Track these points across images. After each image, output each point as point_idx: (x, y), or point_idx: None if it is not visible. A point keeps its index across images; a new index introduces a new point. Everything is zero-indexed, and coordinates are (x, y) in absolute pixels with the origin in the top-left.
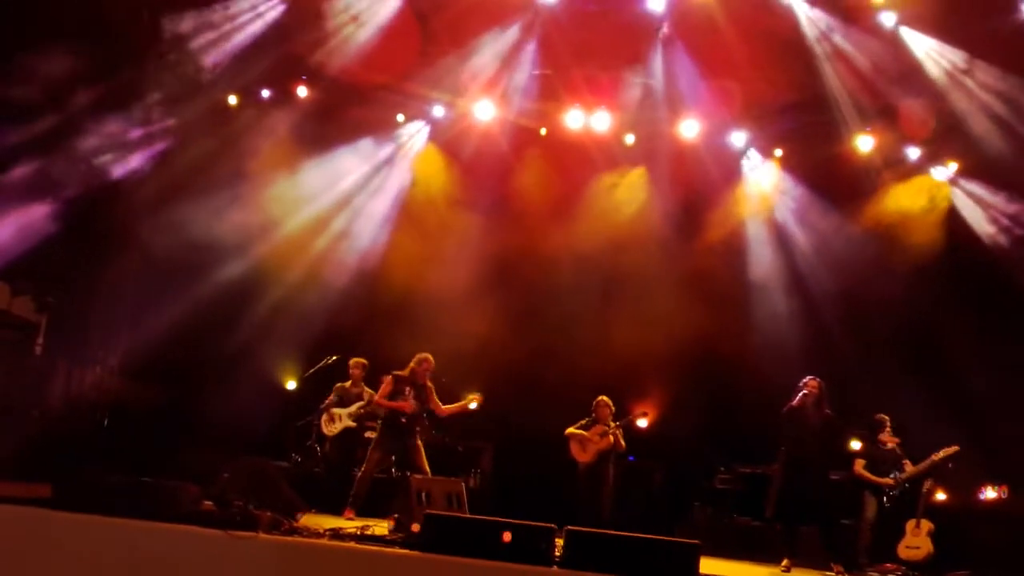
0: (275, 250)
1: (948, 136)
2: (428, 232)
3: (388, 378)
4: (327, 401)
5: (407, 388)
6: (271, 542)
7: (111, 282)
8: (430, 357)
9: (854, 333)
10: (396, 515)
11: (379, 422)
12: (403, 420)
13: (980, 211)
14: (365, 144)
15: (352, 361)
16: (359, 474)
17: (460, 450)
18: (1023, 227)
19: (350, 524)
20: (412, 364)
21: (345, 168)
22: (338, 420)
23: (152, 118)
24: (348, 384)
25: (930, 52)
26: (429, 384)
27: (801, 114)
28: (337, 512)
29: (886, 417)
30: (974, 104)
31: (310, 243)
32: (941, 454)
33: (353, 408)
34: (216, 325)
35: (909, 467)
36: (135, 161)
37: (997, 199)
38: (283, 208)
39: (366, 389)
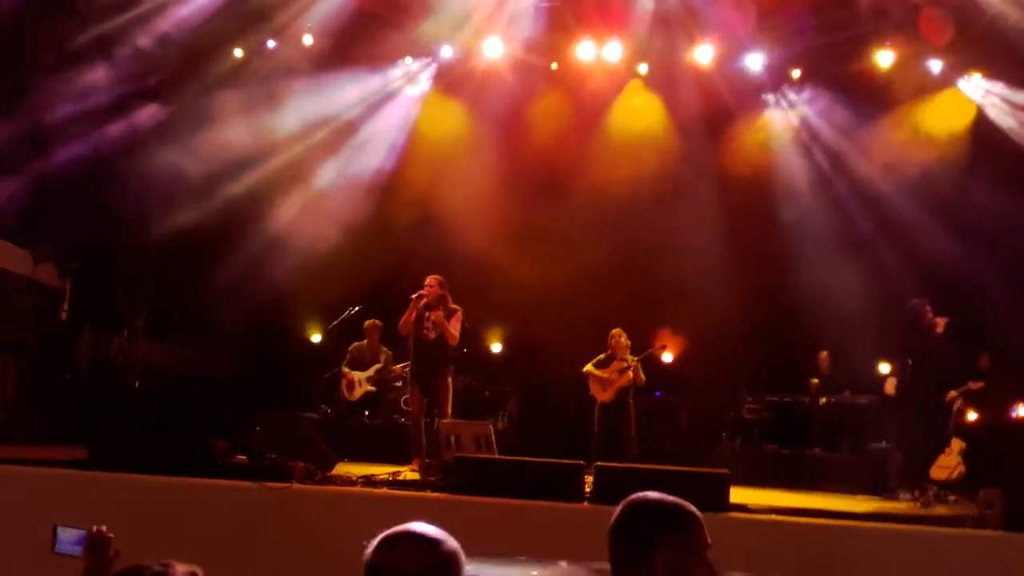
0: (283, 184)
1: (971, 39)
2: (438, 167)
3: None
4: (343, 364)
5: (425, 313)
6: (305, 491)
7: (133, 245)
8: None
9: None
10: (426, 459)
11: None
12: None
13: (1011, 115)
14: (369, 77)
15: (368, 323)
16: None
17: (487, 394)
18: None
19: (381, 470)
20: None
21: (348, 98)
22: (358, 386)
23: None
24: (364, 343)
25: None
26: (452, 306)
27: (818, 31)
28: (369, 460)
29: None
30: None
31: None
32: (972, 387)
33: (372, 371)
34: (235, 277)
35: None
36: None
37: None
38: (289, 142)
39: (383, 349)
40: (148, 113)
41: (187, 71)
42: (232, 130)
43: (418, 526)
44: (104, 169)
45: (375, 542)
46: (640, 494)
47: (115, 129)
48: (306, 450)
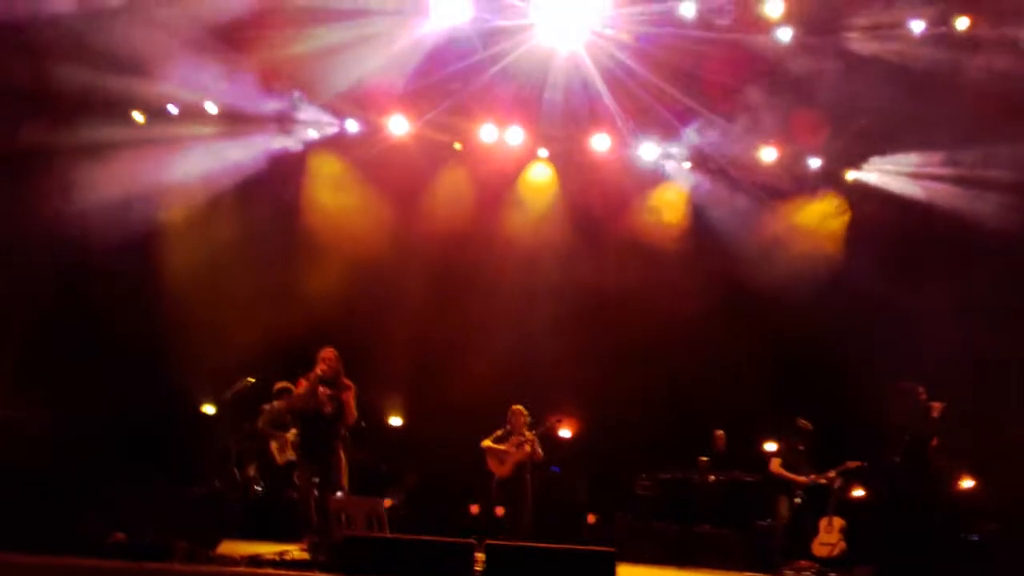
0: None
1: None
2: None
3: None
4: (262, 424)
5: (320, 388)
6: (187, 572)
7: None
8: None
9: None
10: (314, 537)
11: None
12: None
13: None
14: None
15: (281, 385)
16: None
17: (384, 469)
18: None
19: (269, 549)
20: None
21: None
22: (289, 448)
23: None
24: (278, 404)
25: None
26: (346, 382)
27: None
28: (260, 538)
29: (808, 424)
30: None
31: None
32: (850, 465)
33: (293, 435)
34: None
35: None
36: None
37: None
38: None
39: None
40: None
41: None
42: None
43: None
44: None
45: None
46: None
47: None
48: (188, 527)
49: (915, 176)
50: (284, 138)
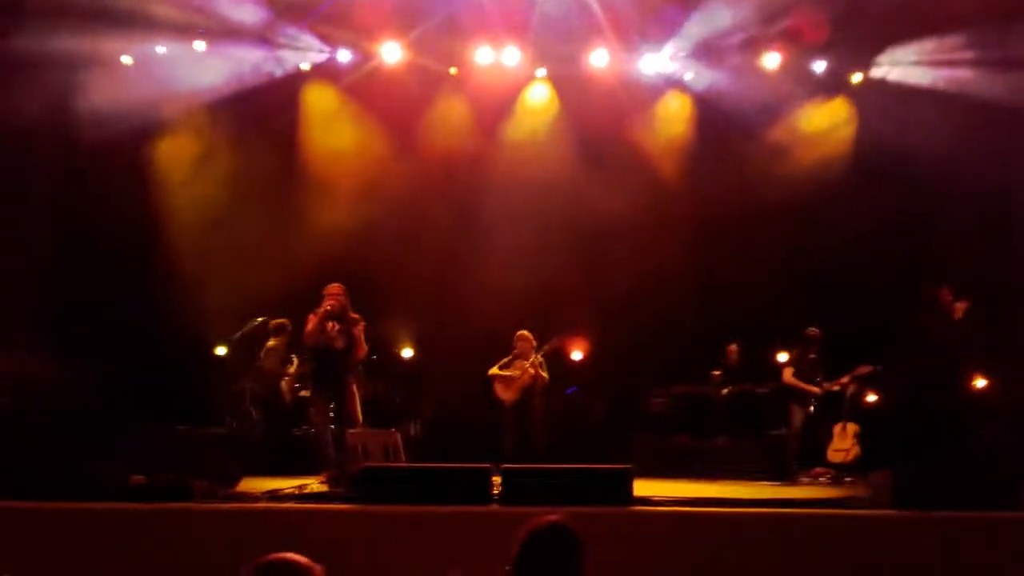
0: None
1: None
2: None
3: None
4: (270, 364)
5: (328, 323)
6: (206, 511)
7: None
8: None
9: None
10: (332, 470)
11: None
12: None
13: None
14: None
15: (275, 323)
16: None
17: (398, 401)
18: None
19: (288, 484)
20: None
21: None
22: (296, 384)
23: None
24: (276, 342)
25: None
26: (354, 316)
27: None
28: (278, 473)
29: (818, 332)
30: None
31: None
32: (862, 371)
33: (295, 369)
34: (126, 287)
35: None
36: None
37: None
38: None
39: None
40: None
41: None
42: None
43: (288, 555)
44: None
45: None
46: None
47: None
48: (207, 467)
49: (933, 64)
50: (273, 63)
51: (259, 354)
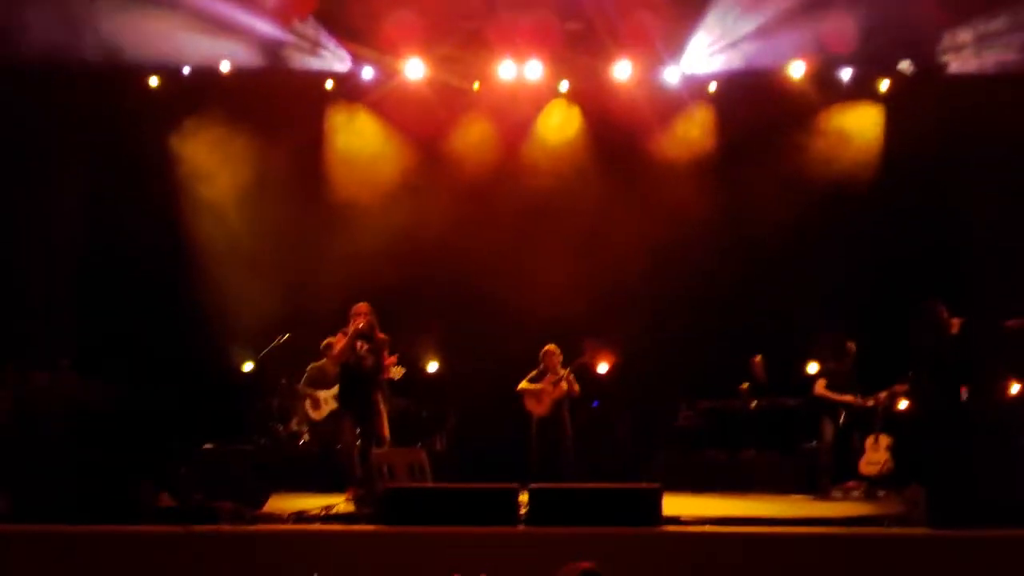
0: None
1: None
2: (361, 184)
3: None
4: (302, 383)
5: (358, 343)
6: (234, 533)
7: (49, 282)
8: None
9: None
10: (358, 490)
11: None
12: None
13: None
14: None
15: (326, 341)
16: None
17: (424, 415)
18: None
19: (315, 502)
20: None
21: None
22: (324, 404)
23: None
24: (322, 363)
25: None
26: (381, 335)
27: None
28: (310, 490)
29: (853, 344)
30: None
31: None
32: (898, 390)
33: (336, 389)
34: (159, 310)
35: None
36: None
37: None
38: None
39: None
40: None
41: None
42: None
43: None
44: None
45: None
46: None
47: None
48: (234, 487)
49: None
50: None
51: (285, 370)
